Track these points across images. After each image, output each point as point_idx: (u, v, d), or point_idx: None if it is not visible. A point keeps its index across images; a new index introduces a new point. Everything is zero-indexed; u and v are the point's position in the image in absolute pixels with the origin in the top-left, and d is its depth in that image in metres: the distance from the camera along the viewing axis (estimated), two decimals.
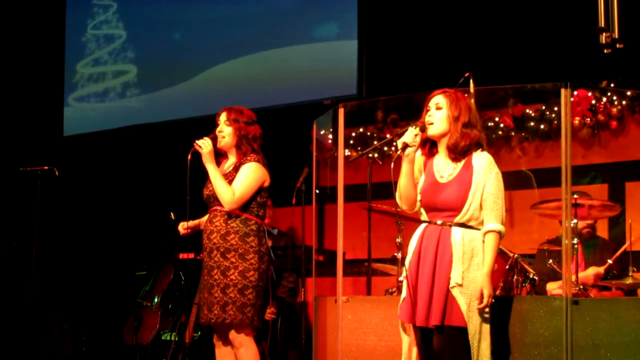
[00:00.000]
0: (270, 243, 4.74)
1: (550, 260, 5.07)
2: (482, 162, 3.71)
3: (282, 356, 6.49)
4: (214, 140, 4.53)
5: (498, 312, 3.91)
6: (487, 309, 3.64)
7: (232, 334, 4.45)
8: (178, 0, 8.59)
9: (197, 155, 4.50)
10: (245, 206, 4.48)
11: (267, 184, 4.56)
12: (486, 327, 3.65)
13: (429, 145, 3.85)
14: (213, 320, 4.41)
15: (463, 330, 3.60)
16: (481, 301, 3.59)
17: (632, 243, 5.15)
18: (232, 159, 4.61)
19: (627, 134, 6.27)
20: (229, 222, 4.47)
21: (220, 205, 4.48)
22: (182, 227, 4.66)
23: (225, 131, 4.57)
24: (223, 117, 4.61)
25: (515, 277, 4.68)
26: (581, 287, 4.68)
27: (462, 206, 3.67)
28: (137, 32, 8.80)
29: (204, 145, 4.47)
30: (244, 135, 4.56)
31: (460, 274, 3.60)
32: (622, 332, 4.02)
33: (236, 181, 4.45)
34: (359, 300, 4.74)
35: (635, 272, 5.03)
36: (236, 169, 4.51)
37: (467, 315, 3.59)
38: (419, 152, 3.86)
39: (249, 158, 4.52)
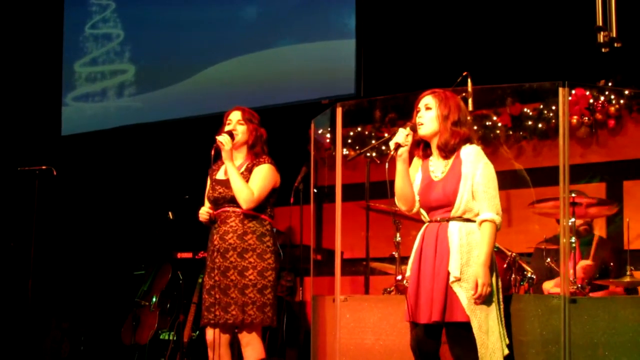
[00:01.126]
0: None
1: (548, 259, 5.07)
2: (470, 153, 3.73)
3: (280, 355, 6.49)
4: (231, 137, 4.47)
5: None
6: (493, 300, 3.62)
7: (242, 333, 4.43)
8: (176, 0, 8.58)
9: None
10: (261, 207, 4.49)
11: (277, 185, 4.58)
12: (494, 320, 3.62)
13: (423, 147, 3.87)
14: (231, 320, 4.37)
15: (467, 326, 3.59)
16: (475, 291, 3.57)
17: (629, 241, 5.15)
18: (239, 159, 4.58)
19: (625, 133, 6.26)
20: (246, 222, 4.45)
21: (230, 206, 4.46)
22: (207, 208, 4.53)
23: (239, 129, 4.54)
24: (237, 115, 4.57)
25: (513, 275, 4.67)
26: (579, 285, 4.68)
27: (455, 199, 3.69)
28: (135, 32, 8.79)
29: (225, 142, 4.41)
30: (259, 136, 4.56)
31: (459, 267, 3.60)
32: (620, 331, 4.01)
33: (254, 181, 4.45)
34: (357, 300, 4.73)
35: (633, 271, 5.03)
36: (249, 169, 4.50)
37: (469, 310, 3.58)
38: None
39: (262, 160, 4.52)
